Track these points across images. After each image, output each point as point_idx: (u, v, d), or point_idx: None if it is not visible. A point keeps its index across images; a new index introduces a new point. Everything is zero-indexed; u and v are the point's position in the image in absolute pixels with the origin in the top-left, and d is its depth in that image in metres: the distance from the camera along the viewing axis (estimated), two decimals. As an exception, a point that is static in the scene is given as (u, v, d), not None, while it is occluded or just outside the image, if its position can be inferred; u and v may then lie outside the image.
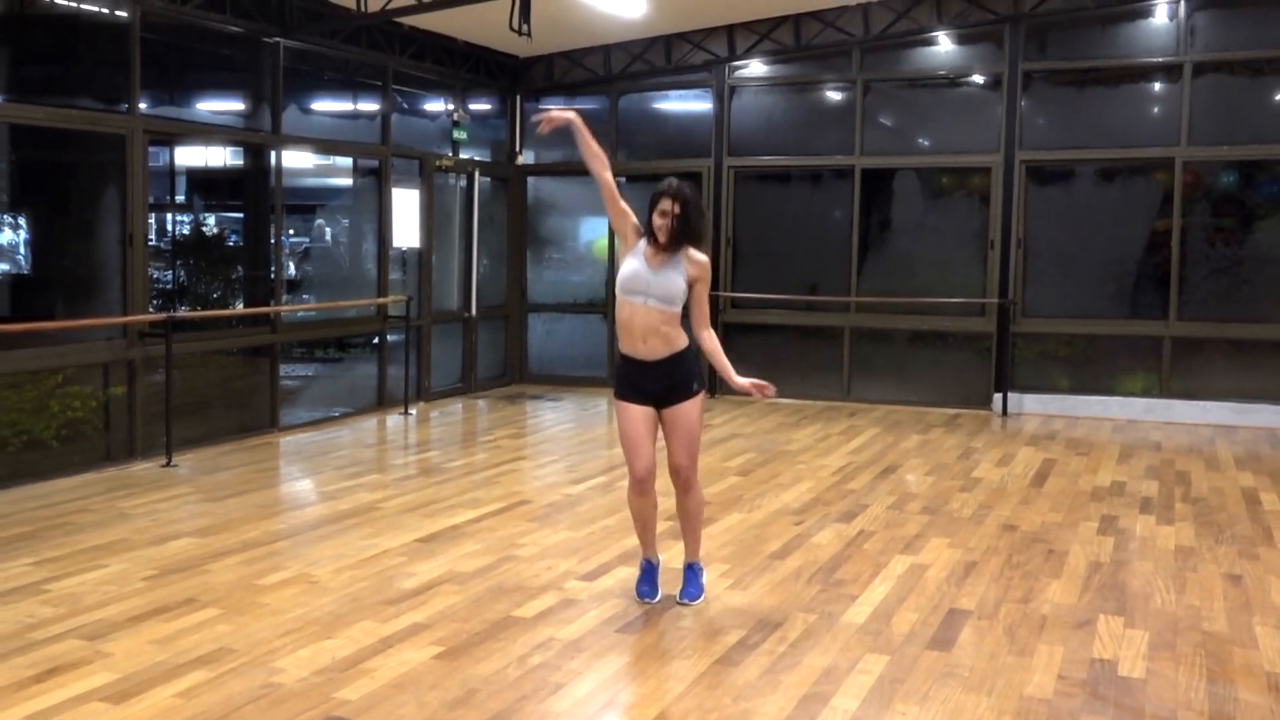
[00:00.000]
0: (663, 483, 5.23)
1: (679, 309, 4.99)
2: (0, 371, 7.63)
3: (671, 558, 5.53)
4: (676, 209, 4.88)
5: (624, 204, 5.10)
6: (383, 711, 3.96)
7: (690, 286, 5.00)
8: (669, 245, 4.94)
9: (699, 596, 5.22)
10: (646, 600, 5.19)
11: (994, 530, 6.59)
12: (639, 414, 5.03)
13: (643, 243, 5.02)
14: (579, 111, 5.22)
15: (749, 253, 12.20)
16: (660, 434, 5.11)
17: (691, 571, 5.28)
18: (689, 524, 5.24)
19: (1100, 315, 11.01)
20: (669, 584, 5.29)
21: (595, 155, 5.09)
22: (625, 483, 7.60)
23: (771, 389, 5.01)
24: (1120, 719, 3.98)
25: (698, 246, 5.04)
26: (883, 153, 11.69)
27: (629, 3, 10.65)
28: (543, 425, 10.52)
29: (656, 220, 4.92)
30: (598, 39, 12.01)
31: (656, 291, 4.92)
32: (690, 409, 5.03)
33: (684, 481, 5.11)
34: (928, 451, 9.10)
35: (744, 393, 5.08)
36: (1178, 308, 10.69)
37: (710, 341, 5.13)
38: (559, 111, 5.17)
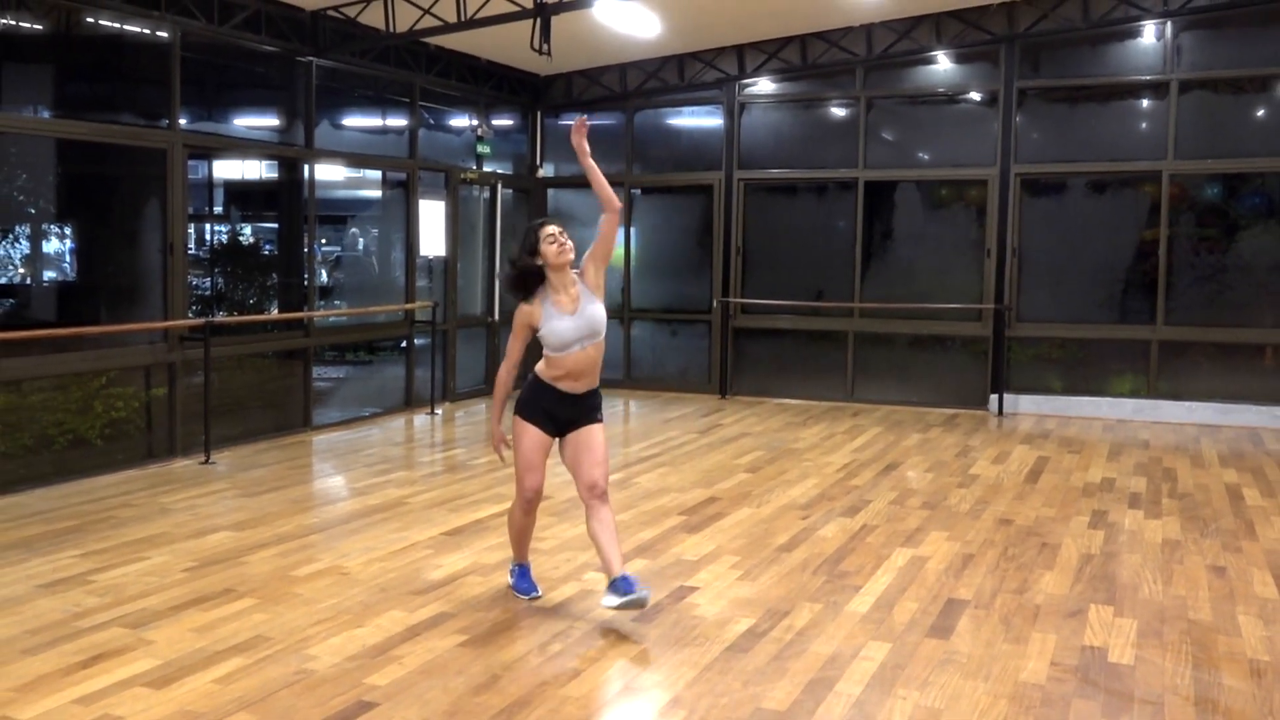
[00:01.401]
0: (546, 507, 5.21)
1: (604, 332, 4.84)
2: (47, 373, 7.68)
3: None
4: (560, 229, 4.68)
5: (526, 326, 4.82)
6: (410, 696, 3.97)
7: (599, 274, 4.82)
8: (569, 266, 4.70)
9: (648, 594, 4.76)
10: (534, 596, 5.05)
11: (990, 524, 6.57)
12: (540, 439, 4.90)
13: (547, 302, 4.73)
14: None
15: (758, 261, 12.18)
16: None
17: (627, 582, 4.64)
18: (612, 535, 4.78)
19: (1091, 320, 10.97)
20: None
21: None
22: (639, 480, 7.67)
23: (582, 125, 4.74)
24: (1110, 703, 3.97)
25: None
26: (885, 166, 11.67)
27: (644, 24, 10.66)
28: (561, 424, 10.50)
29: (551, 249, 4.65)
30: (614, 58, 12.02)
31: (589, 330, 4.74)
32: (599, 429, 4.88)
33: (601, 494, 4.79)
34: (927, 450, 9.07)
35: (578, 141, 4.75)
36: (1165, 313, 10.64)
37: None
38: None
